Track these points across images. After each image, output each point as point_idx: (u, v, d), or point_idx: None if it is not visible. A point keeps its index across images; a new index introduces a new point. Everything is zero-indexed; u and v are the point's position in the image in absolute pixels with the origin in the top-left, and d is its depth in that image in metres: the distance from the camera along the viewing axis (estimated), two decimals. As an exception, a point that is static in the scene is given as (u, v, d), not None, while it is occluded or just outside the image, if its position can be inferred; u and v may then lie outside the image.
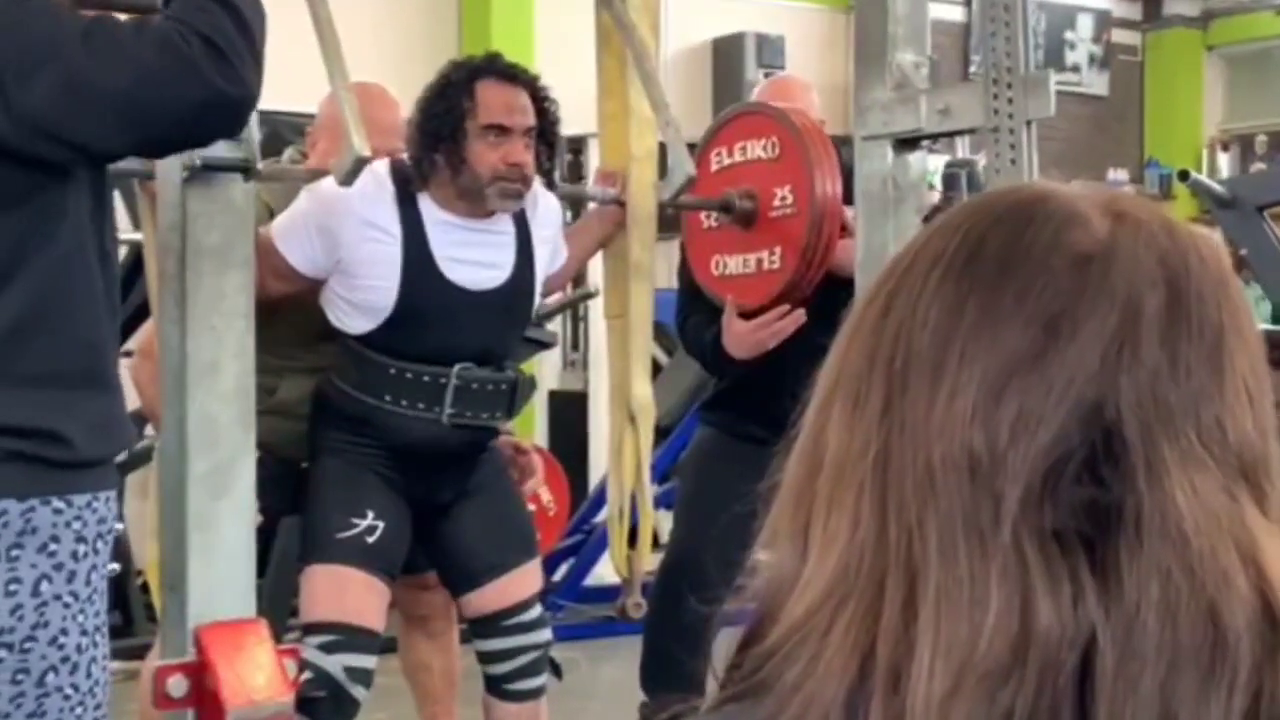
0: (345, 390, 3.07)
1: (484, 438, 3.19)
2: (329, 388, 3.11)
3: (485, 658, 3.20)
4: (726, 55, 9.23)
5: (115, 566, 5.12)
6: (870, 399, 0.74)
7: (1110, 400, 0.70)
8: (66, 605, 2.06)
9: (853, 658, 0.70)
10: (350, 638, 2.92)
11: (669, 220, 4.00)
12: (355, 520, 3.02)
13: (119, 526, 4.90)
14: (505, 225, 3.13)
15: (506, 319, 3.18)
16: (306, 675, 2.77)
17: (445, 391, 3.05)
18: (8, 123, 1.98)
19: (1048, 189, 0.78)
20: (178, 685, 2.22)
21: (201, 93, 2.04)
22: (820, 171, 3.39)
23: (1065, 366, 0.71)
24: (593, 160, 7.71)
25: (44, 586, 2.03)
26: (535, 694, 3.21)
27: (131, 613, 5.38)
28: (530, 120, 3.02)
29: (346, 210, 2.96)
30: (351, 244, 2.97)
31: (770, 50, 9.18)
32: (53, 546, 2.03)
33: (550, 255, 3.26)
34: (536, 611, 3.23)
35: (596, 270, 7.38)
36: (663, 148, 3.39)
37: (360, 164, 2.56)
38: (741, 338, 3.49)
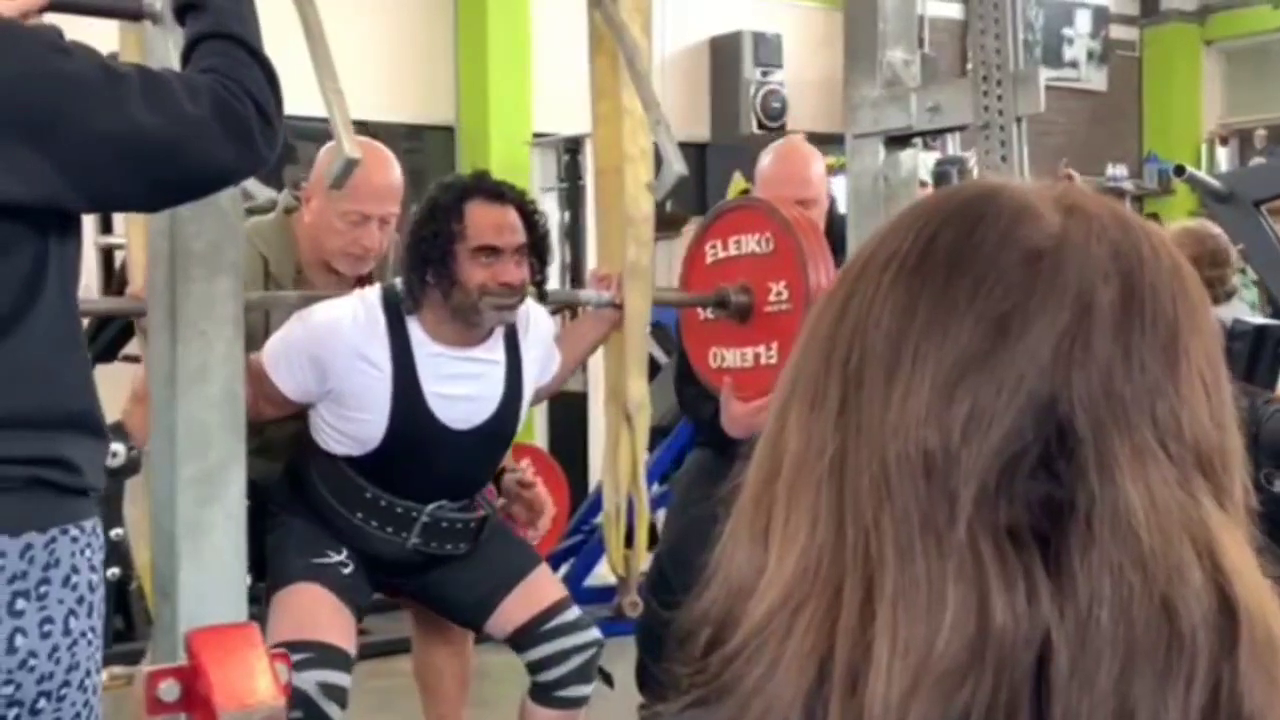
0: (321, 493, 3.10)
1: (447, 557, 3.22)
2: (306, 480, 3.13)
3: (535, 667, 3.17)
4: (724, 54, 9.24)
5: (116, 571, 5.12)
6: (827, 401, 0.74)
7: (1063, 396, 0.70)
8: (90, 642, 2.02)
9: (811, 660, 0.70)
10: (323, 654, 2.90)
11: (664, 220, 4.00)
12: (329, 553, 3.06)
13: (119, 531, 4.91)
14: (496, 352, 3.13)
15: (487, 451, 3.21)
16: None
17: (415, 524, 3.11)
18: (49, 170, 1.93)
19: (1000, 184, 0.77)
20: (169, 690, 2.21)
21: (249, 158, 2.05)
22: (814, 266, 3.39)
23: (1016, 363, 0.70)
24: (590, 160, 7.72)
25: (72, 623, 1.98)
26: (581, 702, 3.19)
27: (133, 618, 5.38)
28: (520, 238, 3.02)
29: (338, 342, 2.97)
30: (342, 376, 2.99)
31: (767, 49, 9.18)
32: (74, 578, 1.99)
33: (540, 370, 3.27)
34: (576, 611, 3.22)
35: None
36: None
37: (350, 166, 2.55)
38: (740, 420, 3.49)
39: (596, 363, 7.29)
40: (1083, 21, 11.12)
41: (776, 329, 3.47)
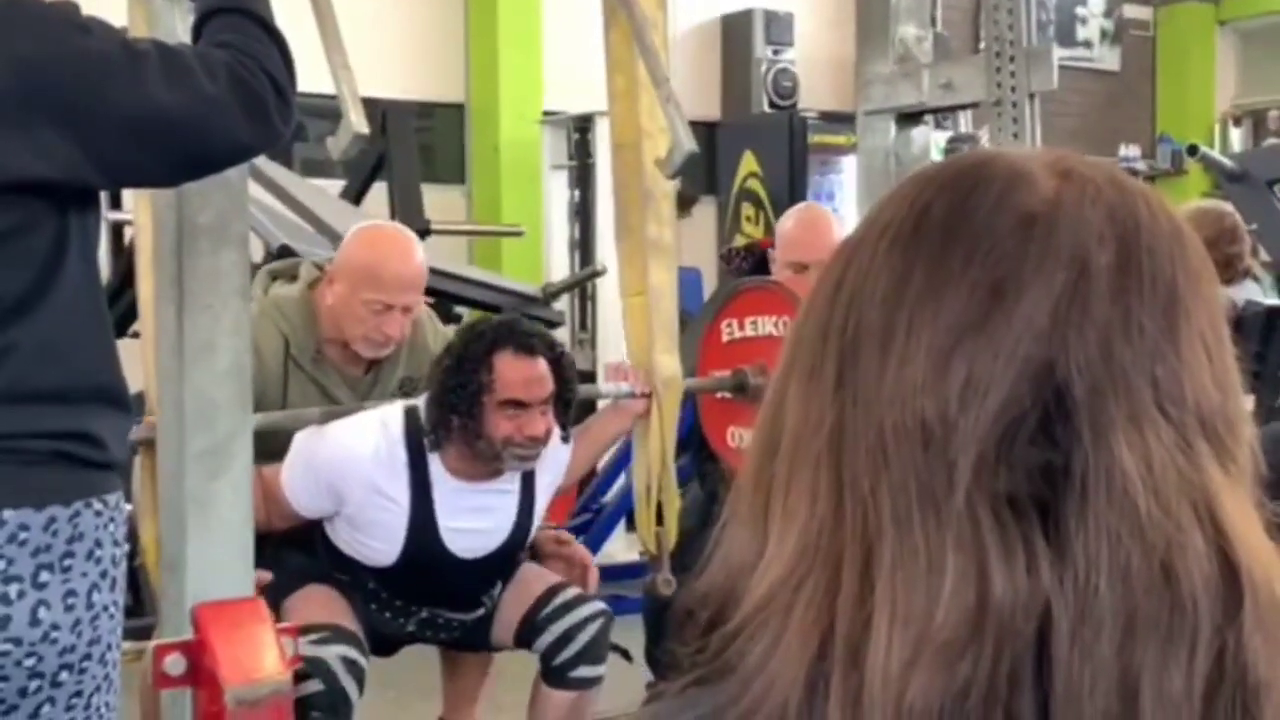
0: (327, 567, 3.13)
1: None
2: (321, 546, 3.15)
3: (547, 654, 3.18)
4: (735, 32, 9.22)
5: (126, 546, 5.13)
6: (824, 373, 0.73)
7: (1060, 361, 0.69)
8: (112, 616, 2.03)
9: (813, 635, 0.69)
10: (341, 634, 2.93)
11: (681, 199, 3.98)
12: (340, 575, 3.12)
13: (128, 507, 4.93)
14: (512, 482, 3.15)
15: (494, 572, 3.24)
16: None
17: (414, 617, 3.20)
18: (71, 148, 1.94)
19: (994, 152, 0.77)
20: (175, 664, 2.22)
21: (266, 134, 2.05)
22: None
23: (1012, 329, 0.69)
24: (600, 138, 7.71)
25: (95, 597, 2.00)
26: (593, 683, 3.19)
27: (142, 593, 5.38)
28: (548, 389, 3.01)
29: (357, 475, 2.99)
30: (358, 506, 3.02)
31: (779, 27, 9.15)
32: (98, 552, 2.00)
33: (552, 486, 3.28)
34: (573, 591, 3.22)
35: (603, 248, 7.38)
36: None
37: (357, 142, 2.54)
38: None
39: (606, 340, 7.29)
40: (1096, 1, 11.07)
41: None
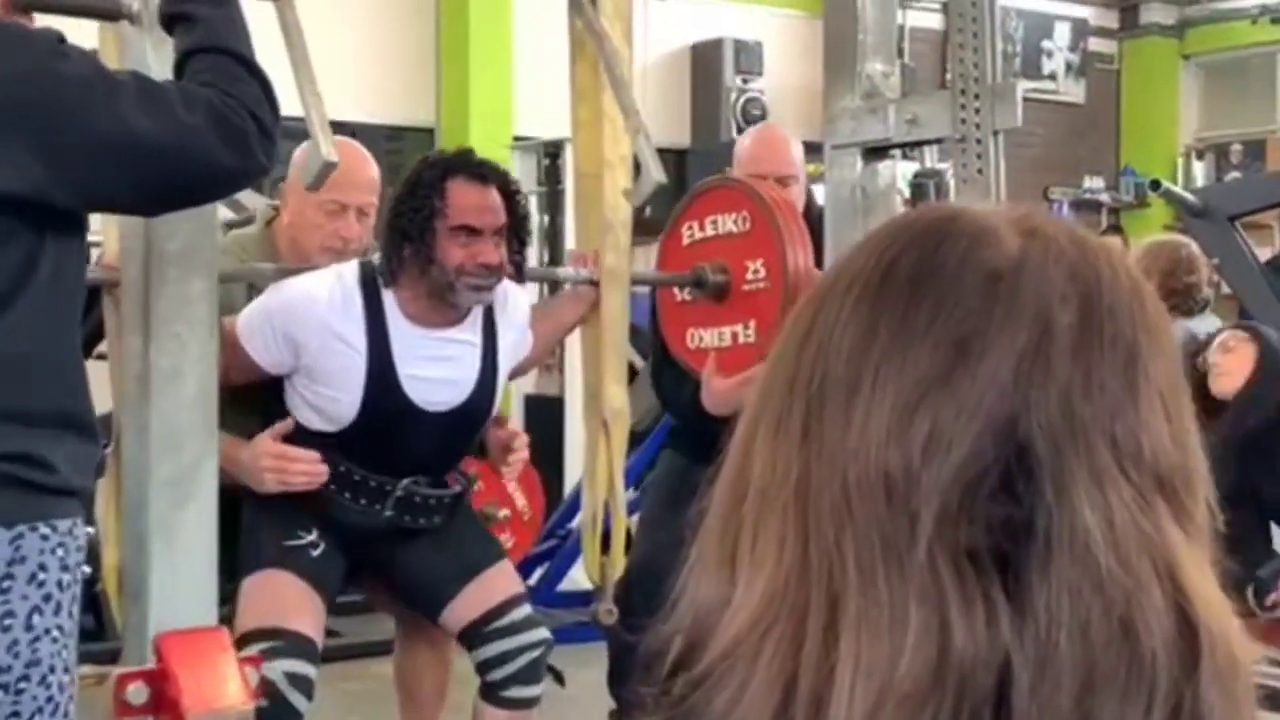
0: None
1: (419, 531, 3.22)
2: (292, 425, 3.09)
3: (482, 666, 3.16)
4: (705, 61, 9.25)
5: (87, 570, 5.08)
6: (790, 424, 0.74)
7: (1022, 417, 0.70)
8: (54, 640, 2.03)
9: (777, 684, 0.70)
10: (290, 644, 2.88)
11: (643, 224, 4.00)
12: (300, 533, 3.04)
13: (90, 530, 4.88)
14: (473, 333, 3.13)
15: (462, 431, 3.21)
16: None
17: (389, 497, 3.12)
18: (42, 171, 1.95)
19: (961, 208, 0.77)
20: (137, 693, 2.21)
21: (247, 164, 2.07)
22: (791, 244, 3.37)
23: (976, 385, 0.70)
24: (570, 164, 7.72)
25: (35, 620, 1.99)
26: (529, 704, 3.17)
27: (104, 618, 5.34)
28: (500, 219, 3.01)
29: (313, 321, 2.96)
30: (316, 354, 2.99)
31: (748, 56, 9.19)
32: (41, 576, 2.00)
33: (515, 349, 3.27)
34: (526, 610, 3.20)
35: (573, 275, 7.40)
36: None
37: (328, 169, 2.55)
38: (723, 395, 3.47)
39: (575, 366, 7.30)
40: (1062, 34, 11.16)
41: (754, 307, 3.46)
